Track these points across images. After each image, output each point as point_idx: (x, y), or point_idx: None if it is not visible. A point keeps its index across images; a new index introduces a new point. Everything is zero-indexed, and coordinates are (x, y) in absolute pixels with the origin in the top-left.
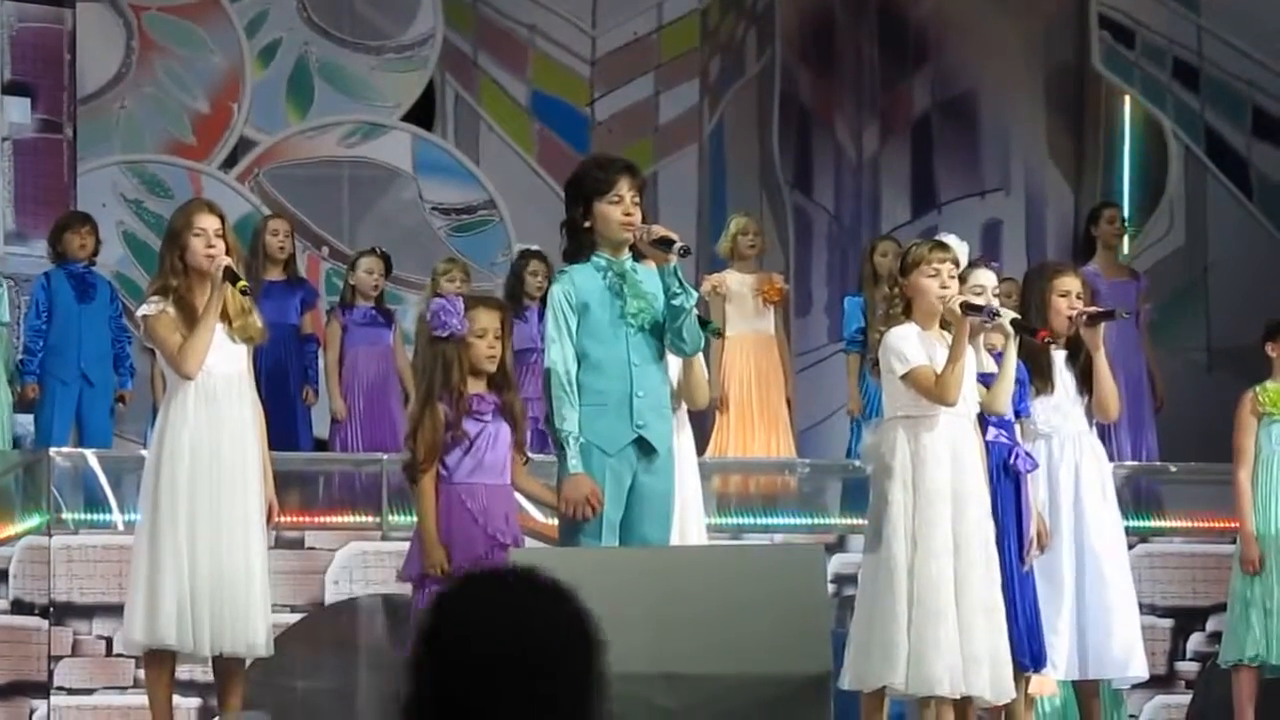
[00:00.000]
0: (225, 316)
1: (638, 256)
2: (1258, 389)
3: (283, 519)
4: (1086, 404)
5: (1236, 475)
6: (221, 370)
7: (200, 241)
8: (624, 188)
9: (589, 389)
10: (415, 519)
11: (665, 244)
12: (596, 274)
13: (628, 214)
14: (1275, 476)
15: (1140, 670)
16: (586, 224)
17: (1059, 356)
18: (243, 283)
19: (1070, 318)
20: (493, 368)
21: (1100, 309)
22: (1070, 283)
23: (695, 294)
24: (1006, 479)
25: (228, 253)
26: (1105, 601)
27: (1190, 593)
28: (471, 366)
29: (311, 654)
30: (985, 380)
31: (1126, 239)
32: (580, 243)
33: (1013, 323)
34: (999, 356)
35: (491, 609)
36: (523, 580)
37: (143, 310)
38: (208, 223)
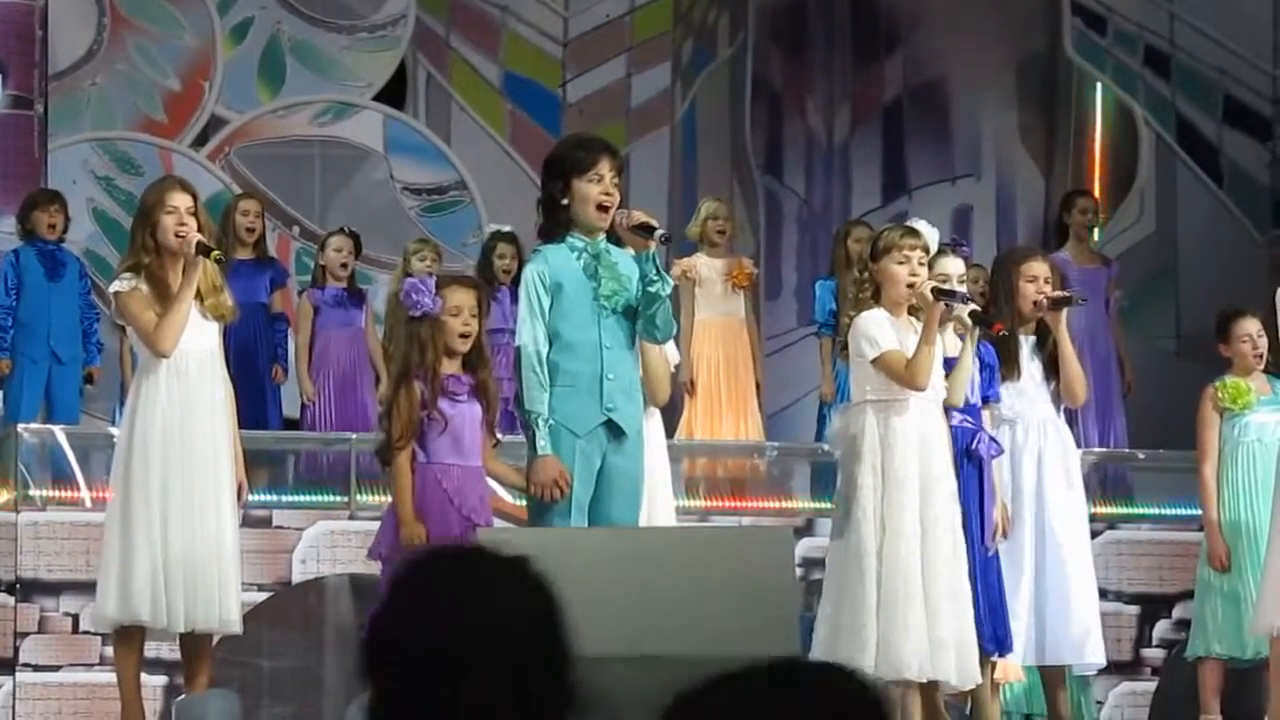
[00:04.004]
0: (198, 294)
1: (613, 239)
2: (1217, 384)
3: (250, 497)
4: (1054, 389)
5: (1201, 470)
6: (193, 348)
7: (172, 219)
8: (604, 168)
9: (560, 370)
10: (383, 498)
11: (646, 230)
12: (571, 255)
13: (607, 194)
14: (1240, 470)
15: (1097, 656)
16: (564, 201)
17: (1026, 342)
18: (216, 252)
19: (1035, 303)
20: (466, 347)
21: (1061, 294)
22: (1038, 268)
23: (671, 282)
24: (970, 464)
25: (200, 230)
26: (1064, 587)
27: (1157, 580)
28: (445, 346)
29: (278, 633)
30: (951, 365)
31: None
32: (556, 220)
33: (971, 314)
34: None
35: (451, 582)
36: (482, 553)
37: (115, 287)
38: (179, 200)
